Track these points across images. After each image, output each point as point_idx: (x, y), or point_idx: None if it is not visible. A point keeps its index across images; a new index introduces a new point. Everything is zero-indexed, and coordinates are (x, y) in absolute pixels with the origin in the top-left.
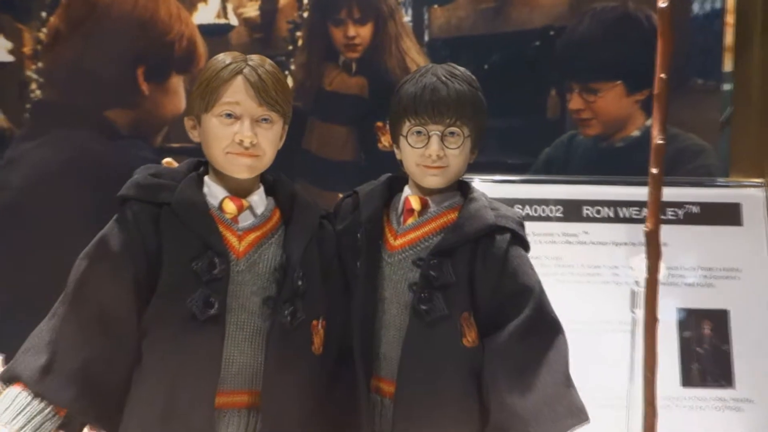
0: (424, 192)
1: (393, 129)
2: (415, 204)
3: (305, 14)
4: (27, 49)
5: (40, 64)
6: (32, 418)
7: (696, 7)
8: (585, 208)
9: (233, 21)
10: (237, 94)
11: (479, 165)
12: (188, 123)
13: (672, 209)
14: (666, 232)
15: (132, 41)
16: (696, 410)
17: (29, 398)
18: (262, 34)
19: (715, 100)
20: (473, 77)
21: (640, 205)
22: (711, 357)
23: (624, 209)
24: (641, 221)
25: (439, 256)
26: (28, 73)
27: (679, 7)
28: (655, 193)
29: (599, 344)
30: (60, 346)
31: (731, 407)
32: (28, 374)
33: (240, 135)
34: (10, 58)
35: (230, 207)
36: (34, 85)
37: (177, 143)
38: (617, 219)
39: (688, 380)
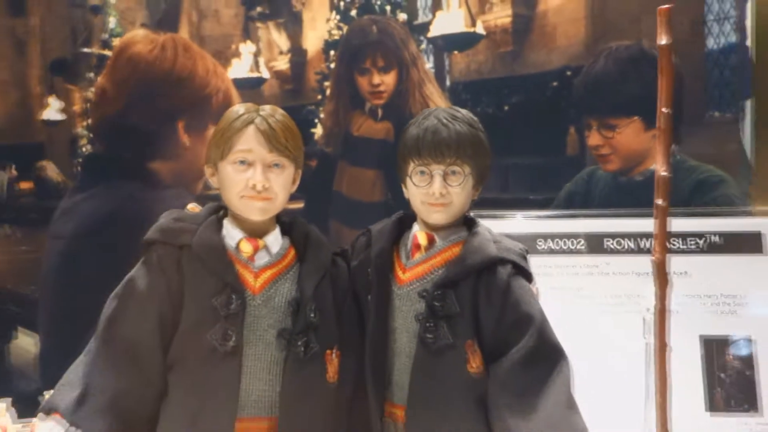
0: (430, 228)
1: (400, 170)
2: (422, 240)
3: (332, 65)
4: (77, 108)
5: (89, 121)
6: None
7: (710, 43)
8: (606, 240)
9: (265, 74)
10: (249, 142)
11: (503, 201)
12: (208, 171)
13: (693, 239)
14: (689, 261)
15: (172, 97)
16: None
17: (64, 429)
18: (292, 85)
19: (733, 133)
20: (475, 119)
21: None
22: (736, 383)
23: (644, 240)
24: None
25: (443, 288)
26: (78, 129)
27: (693, 44)
28: (662, 224)
29: (621, 371)
30: (92, 379)
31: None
32: (64, 406)
33: (253, 180)
34: (61, 117)
35: (246, 247)
36: (83, 141)
37: (216, 190)
38: (638, 251)
39: (713, 406)
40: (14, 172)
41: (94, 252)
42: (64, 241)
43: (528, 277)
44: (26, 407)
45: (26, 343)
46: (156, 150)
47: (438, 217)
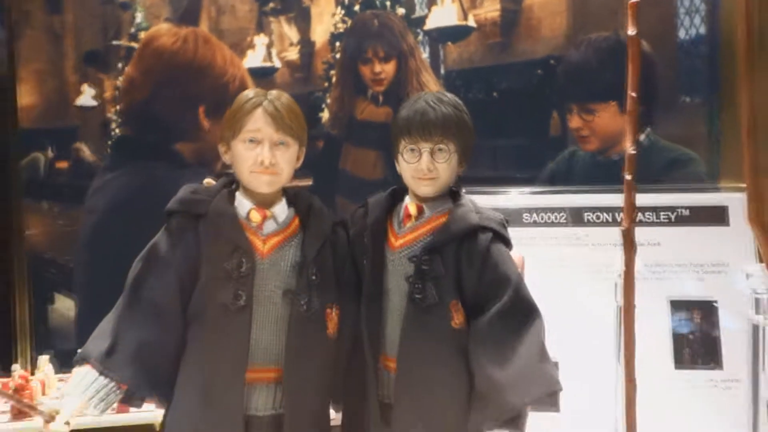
0: (420, 199)
1: (393, 148)
2: (412, 210)
3: (337, 55)
4: (108, 95)
5: (118, 107)
6: (99, 391)
7: (682, 34)
8: (585, 213)
9: (277, 64)
10: (257, 123)
11: (492, 179)
12: (221, 148)
13: (665, 212)
14: (660, 232)
15: (193, 84)
16: (689, 389)
17: (96, 375)
18: (301, 74)
19: (702, 116)
20: (459, 102)
21: (636, 210)
22: (701, 342)
23: (620, 213)
24: (637, 224)
25: (430, 253)
26: (109, 114)
27: (666, 35)
28: (629, 196)
29: (596, 331)
30: (120, 333)
31: (720, 387)
32: (96, 355)
33: (261, 156)
34: (94, 103)
35: (255, 216)
36: (114, 125)
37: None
38: (614, 223)
39: (680, 362)
40: (51, 154)
41: (123, 224)
42: (97, 215)
43: (507, 243)
44: (64, 362)
45: (64, 307)
46: (179, 132)
47: (426, 190)
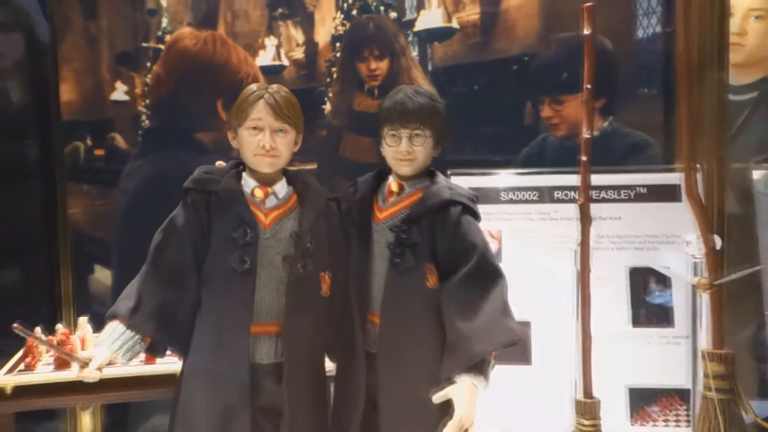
0: (401, 178)
1: (378, 134)
2: (394, 187)
3: (338, 54)
4: (138, 91)
5: (147, 101)
6: (126, 342)
7: (640, 33)
8: (555, 192)
9: (285, 62)
10: (260, 112)
11: (473, 162)
12: (229, 135)
13: (625, 190)
14: (620, 208)
15: (212, 81)
16: (644, 345)
17: (123, 329)
18: (306, 71)
19: (658, 106)
20: (435, 94)
21: (599, 189)
22: (655, 304)
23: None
24: (600, 201)
25: (408, 223)
26: (139, 108)
27: (626, 34)
28: (584, 175)
29: (564, 294)
30: (144, 293)
31: (672, 342)
32: (123, 312)
33: (263, 142)
34: (126, 98)
35: (259, 193)
36: (143, 117)
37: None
38: None
39: (637, 321)
40: (90, 142)
41: (152, 203)
42: (130, 196)
43: (475, 215)
44: (101, 325)
45: (103, 276)
46: (199, 123)
47: (405, 170)
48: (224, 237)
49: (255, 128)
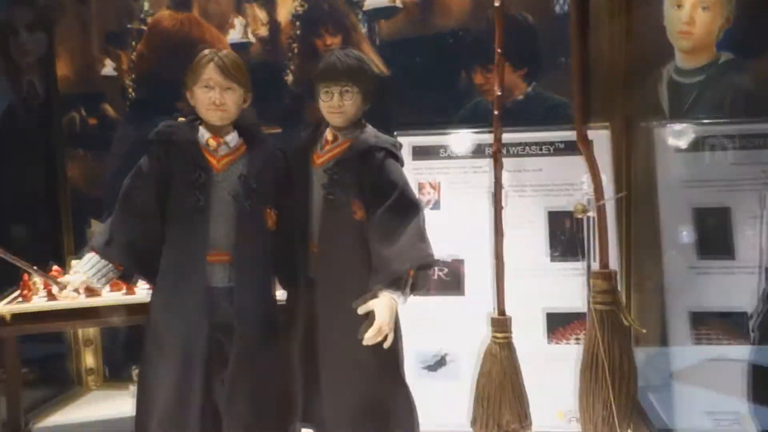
0: (335, 129)
1: (313, 92)
2: (329, 136)
3: (298, 32)
4: (125, 67)
5: (133, 76)
6: (100, 270)
7: (557, 9)
8: (487, 148)
9: (252, 39)
10: (210, 73)
11: (416, 123)
12: (187, 94)
13: (546, 145)
14: (542, 161)
15: (189, 57)
16: (560, 276)
17: (98, 259)
18: (270, 46)
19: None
20: (363, 56)
21: (524, 144)
22: (570, 241)
23: (513, 148)
24: (525, 155)
25: (338, 166)
26: (126, 81)
27: (545, 8)
28: (497, 126)
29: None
30: (115, 229)
31: (582, 274)
32: (97, 245)
33: (213, 98)
34: (114, 73)
35: (212, 142)
36: (130, 89)
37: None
38: (508, 155)
39: (554, 257)
40: (84, 112)
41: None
42: (120, 158)
43: (397, 159)
44: None
45: (97, 229)
46: (178, 94)
47: (338, 121)
48: (183, 179)
49: (206, 87)
